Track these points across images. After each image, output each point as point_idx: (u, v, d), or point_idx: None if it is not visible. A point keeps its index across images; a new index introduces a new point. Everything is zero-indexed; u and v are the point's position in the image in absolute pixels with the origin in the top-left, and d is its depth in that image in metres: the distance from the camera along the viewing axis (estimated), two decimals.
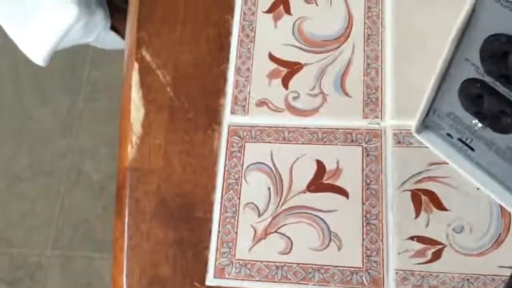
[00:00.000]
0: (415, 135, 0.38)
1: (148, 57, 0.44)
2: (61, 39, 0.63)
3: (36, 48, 0.63)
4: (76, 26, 0.63)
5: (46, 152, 1.26)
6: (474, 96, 0.30)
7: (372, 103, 0.40)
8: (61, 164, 1.23)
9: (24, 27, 0.63)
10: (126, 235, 0.38)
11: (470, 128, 0.34)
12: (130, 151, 0.41)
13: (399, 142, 0.39)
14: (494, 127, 0.31)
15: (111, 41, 0.72)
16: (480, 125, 0.32)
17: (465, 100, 0.31)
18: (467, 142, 0.35)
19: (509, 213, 0.36)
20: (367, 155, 0.39)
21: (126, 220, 0.39)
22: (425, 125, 0.38)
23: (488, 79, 0.29)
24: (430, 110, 0.36)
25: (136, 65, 0.44)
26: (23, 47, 0.64)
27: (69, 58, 1.30)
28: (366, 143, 0.39)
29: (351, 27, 0.43)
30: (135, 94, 0.43)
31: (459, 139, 0.36)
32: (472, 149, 0.35)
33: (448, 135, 0.36)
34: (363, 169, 0.38)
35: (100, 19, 0.67)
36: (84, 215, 1.18)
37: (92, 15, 0.65)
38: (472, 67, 0.29)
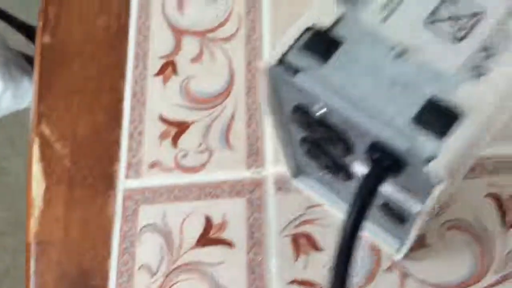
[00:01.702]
0: (292, 180, 0.40)
1: (47, 131, 0.46)
2: None
3: None
4: (5, 97, 0.66)
5: (23, 204, 1.27)
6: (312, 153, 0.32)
7: (254, 153, 0.42)
8: None
9: None
10: None
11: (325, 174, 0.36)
12: (33, 225, 0.43)
13: (280, 189, 0.41)
14: (338, 177, 0.33)
15: None
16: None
17: (306, 155, 0.33)
18: (333, 184, 0.37)
19: (380, 249, 0.38)
20: (251, 205, 0.41)
21: None
22: (300, 170, 0.40)
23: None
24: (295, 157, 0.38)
25: (36, 140, 0.46)
26: None
27: None
28: (250, 194, 0.41)
29: (233, 82, 0.45)
30: (36, 169, 0.45)
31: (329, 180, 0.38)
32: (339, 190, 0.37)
33: (321, 177, 0.38)
34: (248, 219, 0.41)
35: (29, 86, 0.69)
36: None
37: (19, 83, 0.67)
38: (299, 128, 0.31)
